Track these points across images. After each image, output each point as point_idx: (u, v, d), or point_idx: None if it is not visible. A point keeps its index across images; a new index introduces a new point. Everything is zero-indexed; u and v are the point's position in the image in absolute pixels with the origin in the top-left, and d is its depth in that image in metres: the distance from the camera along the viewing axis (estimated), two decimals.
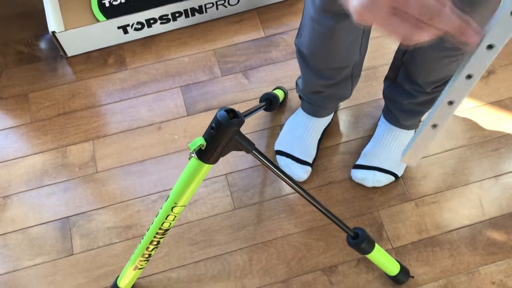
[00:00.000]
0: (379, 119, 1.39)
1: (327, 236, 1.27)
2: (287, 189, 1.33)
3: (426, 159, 1.36)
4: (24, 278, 1.24)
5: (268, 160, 0.88)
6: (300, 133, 1.34)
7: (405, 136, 1.32)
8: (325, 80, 1.16)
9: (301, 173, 1.31)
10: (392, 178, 1.31)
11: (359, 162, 1.33)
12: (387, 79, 1.27)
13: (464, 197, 1.31)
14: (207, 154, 0.82)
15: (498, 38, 0.49)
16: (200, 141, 0.80)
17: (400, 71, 1.17)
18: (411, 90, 1.16)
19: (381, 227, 1.28)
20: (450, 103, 0.57)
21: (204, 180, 1.33)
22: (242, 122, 0.78)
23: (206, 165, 0.84)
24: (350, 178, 1.33)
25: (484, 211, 1.30)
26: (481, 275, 1.22)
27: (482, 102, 1.44)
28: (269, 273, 1.24)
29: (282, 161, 1.33)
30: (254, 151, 0.85)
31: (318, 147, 1.36)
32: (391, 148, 1.32)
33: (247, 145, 0.83)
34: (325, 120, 1.36)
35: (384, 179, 1.31)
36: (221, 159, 1.36)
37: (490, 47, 0.50)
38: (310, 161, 1.33)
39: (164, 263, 1.25)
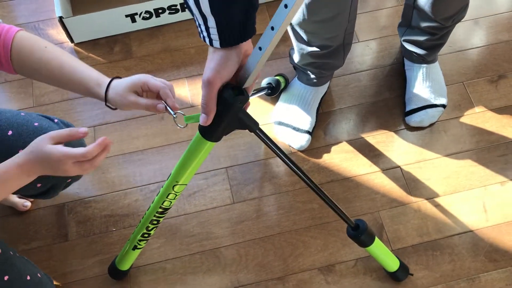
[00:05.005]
0: (403, 65, 1.44)
1: (326, 235, 1.25)
2: (287, 185, 1.31)
3: (430, 161, 1.34)
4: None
5: (271, 140, 0.87)
6: (299, 103, 1.35)
7: (434, 67, 1.39)
8: (317, 49, 1.20)
9: (302, 142, 1.33)
10: (442, 110, 1.37)
11: (408, 108, 1.38)
12: (401, 25, 1.37)
13: (468, 202, 1.29)
14: (210, 131, 0.81)
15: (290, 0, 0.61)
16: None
17: (413, 15, 1.26)
18: (429, 29, 1.25)
19: (382, 228, 1.26)
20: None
21: (204, 172, 1.32)
22: (246, 99, 0.76)
23: (209, 143, 0.83)
24: (351, 177, 1.31)
25: (487, 217, 1.27)
26: (481, 282, 1.20)
27: (491, 106, 1.41)
28: (265, 269, 1.22)
29: (281, 131, 1.35)
30: (257, 130, 0.83)
31: (317, 115, 1.38)
32: (429, 84, 1.37)
33: (251, 124, 0.81)
34: (322, 88, 1.38)
35: (436, 114, 1.36)
36: (222, 152, 1.35)
37: (285, 6, 0.62)
38: (310, 129, 1.35)
39: (160, 254, 1.24)
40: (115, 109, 0.87)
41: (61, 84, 0.89)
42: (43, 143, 0.78)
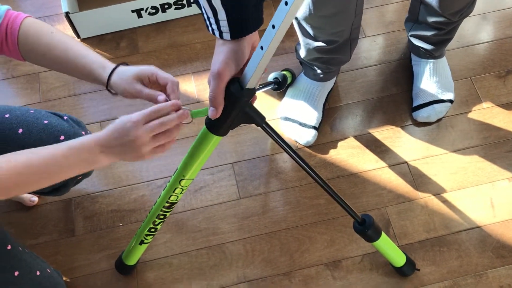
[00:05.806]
0: (410, 60, 1.42)
1: (332, 231, 1.25)
2: (293, 180, 1.31)
3: (437, 157, 1.33)
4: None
5: (278, 135, 0.86)
6: (305, 99, 1.35)
7: (441, 62, 1.38)
8: (324, 44, 1.19)
9: (309, 137, 1.32)
10: (449, 105, 1.36)
11: (415, 103, 1.37)
12: (408, 20, 1.36)
13: (475, 197, 1.28)
14: (216, 125, 0.81)
15: None
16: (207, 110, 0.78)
17: (421, 10, 1.25)
18: (436, 24, 1.24)
19: (388, 224, 1.25)
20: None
21: (210, 167, 1.32)
22: (253, 93, 0.76)
23: (215, 137, 0.83)
24: (358, 173, 1.31)
25: (495, 212, 1.26)
26: (488, 278, 1.19)
27: (498, 102, 1.40)
28: (271, 265, 1.22)
29: (288, 126, 1.35)
30: (264, 124, 0.83)
31: (323, 111, 1.37)
32: (436, 79, 1.35)
33: (257, 118, 0.81)
34: (329, 84, 1.38)
35: (444, 109, 1.35)
36: (228, 148, 1.35)
37: (286, 3, 0.61)
38: (317, 125, 1.34)
39: (166, 249, 1.24)
40: (115, 94, 0.86)
41: (67, 69, 0.88)
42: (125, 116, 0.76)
